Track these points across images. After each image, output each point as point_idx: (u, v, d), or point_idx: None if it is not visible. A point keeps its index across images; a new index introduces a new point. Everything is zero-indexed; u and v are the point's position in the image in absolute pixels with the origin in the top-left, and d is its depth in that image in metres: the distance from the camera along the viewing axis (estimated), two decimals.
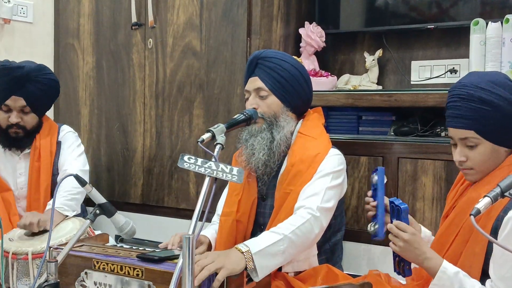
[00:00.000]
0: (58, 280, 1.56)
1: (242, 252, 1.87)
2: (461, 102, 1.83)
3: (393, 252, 1.87)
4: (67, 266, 1.90)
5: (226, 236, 2.23)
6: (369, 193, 1.93)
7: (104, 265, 1.86)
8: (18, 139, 2.67)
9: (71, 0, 3.37)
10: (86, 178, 2.70)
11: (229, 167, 1.63)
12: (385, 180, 1.91)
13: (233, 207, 2.25)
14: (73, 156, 2.74)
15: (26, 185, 2.70)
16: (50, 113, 3.25)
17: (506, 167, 1.83)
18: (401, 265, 1.88)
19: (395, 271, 1.91)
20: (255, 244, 1.91)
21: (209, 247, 2.26)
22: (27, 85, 2.61)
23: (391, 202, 1.87)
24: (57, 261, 1.59)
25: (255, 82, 2.21)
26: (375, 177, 1.90)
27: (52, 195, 2.59)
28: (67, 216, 2.51)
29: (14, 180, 2.72)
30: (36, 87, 2.63)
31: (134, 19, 3.10)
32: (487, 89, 1.80)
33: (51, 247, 2.02)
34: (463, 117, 1.82)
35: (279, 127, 2.19)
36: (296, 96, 2.23)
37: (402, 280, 2.05)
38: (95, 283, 1.88)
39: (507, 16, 2.38)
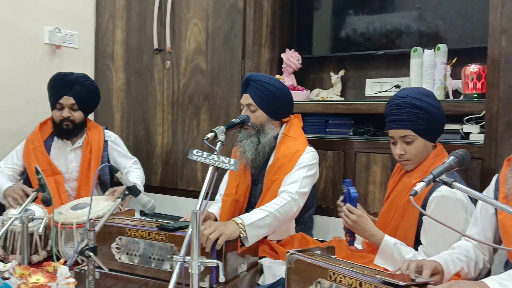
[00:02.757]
0: (96, 245, 1.55)
1: (238, 224, 1.87)
2: (400, 109, 1.84)
3: (345, 227, 1.89)
4: (103, 234, 1.89)
5: (227, 211, 2.24)
6: (341, 198, 1.93)
7: (135, 232, 1.86)
8: (69, 131, 2.67)
9: (107, 30, 3.35)
10: (143, 175, 2.85)
11: (228, 158, 1.63)
12: (354, 189, 1.89)
13: (232, 190, 2.26)
14: (132, 159, 2.84)
15: (76, 170, 2.70)
16: (91, 117, 3.23)
17: (431, 159, 1.86)
18: (349, 238, 1.93)
19: (346, 240, 1.94)
20: (247, 218, 1.92)
21: (215, 220, 2.26)
22: (75, 88, 2.64)
23: (348, 189, 1.88)
24: (95, 230, 1.58)
25: (247, 98, 2.21)
26: (344, 189, 1.91)
27: (97, 180, 2.73)
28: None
29: (66, 166, 2.70)
30: (82, 90, 2.65)
31: (155, 45, 3.08)
32: (419, 98, 1.82)
33: (90, 219, 2.00)
34: (402, 120, 1.84)
35: (264, 133, 2.20)
36: (278, 110, 2.24)
37: (359, 246, 2.06)
38: (127, 246, 1.88)
39: (439, 45, 2.39)
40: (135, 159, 2.87)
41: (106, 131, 2.82)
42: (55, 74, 2.68)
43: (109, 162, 2.74)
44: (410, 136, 1.83)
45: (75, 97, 2.64)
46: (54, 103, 2.65)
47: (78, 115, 2.67)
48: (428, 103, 1.82)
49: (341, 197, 1.92)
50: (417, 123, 1.81)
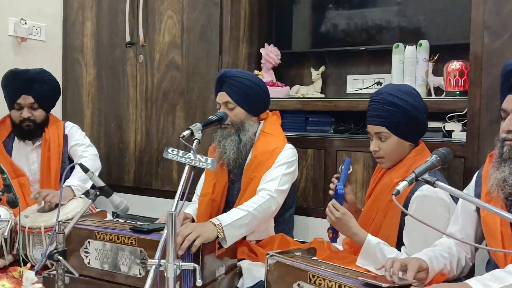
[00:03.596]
0: (66, 248, 1.53)
1: (215, 225, 1.86)
2: (377, 105, 1.87)
3: (329, 224, 1.90)
4: (73, 237, 1.86)
5: (204, 211, 2.23)
6: (336, 175, 1.95)
7: (104, 235, 1.83)
8: (30, 131, 2.61)
9: (76, 22, 3.30)
10: (98, 161, 2.70)
11: (204, 157, 1.62)
12: (350, 169, 1.93)
13: (209, 189, 2.25)
14: (85, 144, 2.70)
15: (38, 172, 2.64)
16: (59, 114, 3.20)
17: (411, 158, 1.88)
18: (331, 234, 1.94)
19: (328, 237, 1.95)
20: (225, 218, 1.91)
21: (193, 222, 2.24)
22: (33, 85, 2.57)
23: (336, 186, 1.90)
24: (64, 233, 1.55)
25: (223, 97, 2.20)
26: (341, 166, 1.93)
27: (61, 180, 2.54)
28: (75, 196, 2.46)
29: (28, 167, 2.65)
30: (41, 87, 2.58)
31: (128, 39, 3.05)
32: (397, 96, 1.85)
33: (59, 221, 1.97)
34: (378, 116, 1.86)
35: (245, 130, 2.20)
36: (257, 105, 2.24)
37: (339, 246, 2.07)
38: (96, 250, 1.85)
39: (421, 41, 2.41)
40: (88, 144, 2.72)
41: (66, 124, 2.75)
42: (8, 72, 2.58)
43: (69, 158, 2.68)
44: (384, 133, 1.86)
45: (35, 96, 2.56)
46: (12, 103, 2.58)
47: (39, 114, 2.61)
48: (406, 101, 1.83)
49: (337, 175, 1.94)
50: (391, 120, 1.84)
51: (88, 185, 2.54)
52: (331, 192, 1.92)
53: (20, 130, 2.60)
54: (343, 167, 1.93)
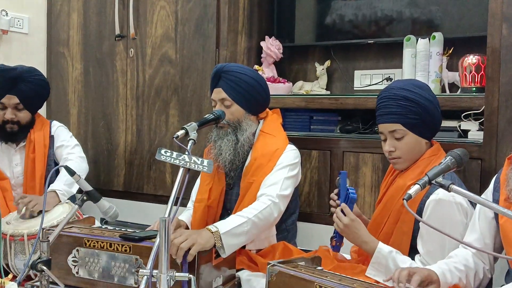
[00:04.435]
0: (50, 257, 1.53)
1: (212, 232, 1.86)
2: (389, 101, 1.87)
3: (334, 230, 1.89)
4: (59, 245, 1.86)
5: (199, 219, 2.22)
6: (335, 191, 1.92)
7: (94, 243, 1.83)
8: (14, 134, 2.60)
9: (61, 13, 3.30)
10: (85, 163, 2.70)
11: (200, 159, 1.62)
12: (348, 183, 1.90)
13: (204, 195, 2.25)
14: (71, 145, 2.69)
15: (22, 175, 2.64)
16: (43, 113, 3.19)
17: (426, 159, 1.88)
18: (335, 243, 1.91)
19: (330, 245, 1.93)
20: (223, 226, 1.91)
21: (187, 229, 2.24)
22: (19, 85, 2.54)
23: (347, 189, 1.88)
24: (49, 240, 1.55)
25: (219, 93, 2.19)
26: (339, 181, 1.91)
27: (45, 183, 2.54)
28: (60, 201, 2.45)
29: (11, 170, 2.65)
30: (28, 87, 2.56)
31: (117, 31, 3.05)
32: (410, 90, 1.85)
33: (43, 228, 1.97)
34: (391, 113, 1.86)
35: (242, 130, 2.19)
36: (256, 103, 2.23)
37: (347, 255, 2.07)
38: (85, 258, 1.85)
39: (434, 33, 2.42)
40: (74, 145, 2.71)
41: (53, 123, 2.75)
42: None
43: (55, 160, 2.67)
44: (400, 131, 1.85)
45: (20, 96, 2.54)
46: None
47: (23, 115, 2.59)
48: (421, 95, 1.84)
49: (336, 190, 1.91)
50: (407, 116, 1.84)
51: (74, 189, 2.53)
52: (333, 209, 1.89)
53: (2, 132, 2.59)
54: (340, 181, 1.90)
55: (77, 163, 2.60)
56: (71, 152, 2.66)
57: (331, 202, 1.92)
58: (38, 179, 2.60)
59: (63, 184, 2.47)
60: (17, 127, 2.59)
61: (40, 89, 2.63)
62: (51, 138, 2.68)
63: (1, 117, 2.57)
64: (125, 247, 1.78)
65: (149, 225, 2.27)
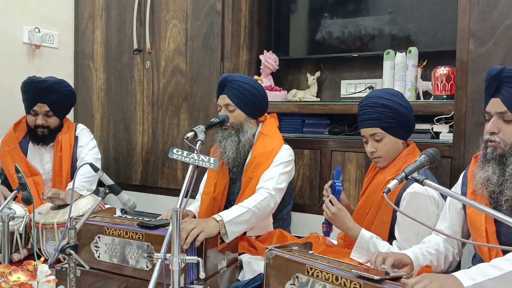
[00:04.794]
0: (77, 243, 1.52)
1: (217, 221, 1.86)
2: (369, 109, 1.87)
3: (325, 218, 1.90)
4: (84, 232, 1.86)
5: (206, 209, 2.22)
6: (329, 182, 1.92)
7: (112, 231, 1.83)
8: (44, 137, 2.60)
9: (87, 30, 3.30)
10: (99, 164, 2.69)
11: (207, 157, 1.62)
12: (341, 177, 1.90)
13: (210, 188, 2.25)
14: (89, 147, 2.69)
15: (51, 171, 2.64)
16: (70, 117, 3.19)
17: (403, 157, 1.88)
18: (326, 229, 1.93)
19: (322, 231, 1.94)
20: (227, 215, 1.91)
21: (194, 218, 2.24)
22: (49, 95, 2.54)
23: (334, 182, 1.88)
24: (76, 228, 1.55)
25: (224, 99, 2.20)
26: (333, 175, 1.91)
27: (71, 178, 2.56)
28: (82, 195, 2.45)
29: (42, 167, 2.65)
30: (57, 96, 2.56)
31: (135, 46, 3.05)
32: (386, 98, 1.86)
33: (71, 218, 1.98)
34: (371, 118, 1.86)
35: (244, 132, 2.19)
36: (256, 108, 2.23)
37: (334, 241, 2.07)
38: (105, 244, 1.85)
39: (410, 48, 2.42)
40: (92, 147, 2.70)
41: (78, 126, 2.75)
42: (26, 80, 2.56)
43: (78, 159, 2.67)
44: (379, 134, 1.86)
45: (49, 105, 2.55)
46: (28, 109, 2.57)
47: (52, 121, 2.60)
48: (395, 102, 1.85)
49: (329, 182, 1.91)
50: (384, 121, 1.84)
51: (93, 185, 2.56)
52: (325, 198, 1.90)
53: (34, 135, 2.60)
54: (334, 175, 1.90)
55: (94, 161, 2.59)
56: (88, 153, 2.66)
57: (324, 192, 1.92)
58: (65, 175, 2.61)
59: (80, 182, 2.48)
60: (47, 131, 2.59)
61: (67, 98, 2.63)
62: (76, 138, 2.69)
63: (33, 123, 2.57)
64: (139, 235, 1.78)
65: (161, 214, 2.27)
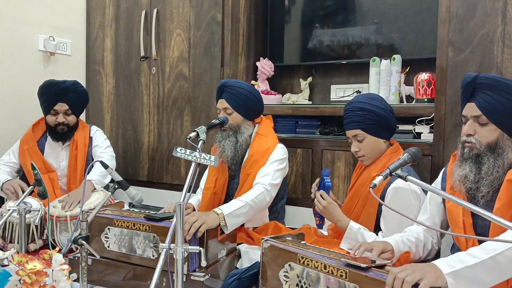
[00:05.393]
0: (88, 234, 1.52)
1: (218, 214, 1.86)
2: (350, 113, 1.88)
3: (317, 212, 1.90)
4: (95, 224, 1.86)
5: (207, 203, 2.22)
6: (317, 180, 1.93)
7: (121, 223, 1.83)
8: (64, 134, 2.61)
9: (97, 39, 3.28)
10: (114, 161, 2.70)
11: (208, 155, 1.61)
12: (328, 179, 1.89)
13: (211, 184, 2.24)
14: (104, 146, 2.70)
15: (67, 168, 2.63)
16: (83, 118, 3.18)
17: (388, 155, 1.89)
18: (318, 222, 1.93)
19: (315, 224, 1.95)
20: (226, 208, 1.91)
21: (194, 210, 2.24)
22: (68, 95, 2.57)
23: (323, 179, 1.89)
24: (87, 220, 1.55)
25: (223, 103, 2.19)
26: (322, 175, 1.91)
27: (85, 174, 2.56)
28: (95, 188, 2.45)
29: (58, 164, 2.65)
30: (74, 96, 2.59)
31: (142, 53, 3.04)
32: (365, 102, 1.86)
33: (83, 211, 1.97)
34: (353, 121, 1.87)
35: (241, 133, 2.19)
36: (252, 111, 2.23)
37: (325, 232, 2.07)
38: (114, 235, 1.84)
39: (394, 55, 2.42)
40: (106, 146, 2.70)
41: (92, 127, 2.76)
42: (46, 83, 2.58)
43: (93, 157, 2.69)
44: (360, 135, 1.87)
45: (69, 103, 2.58)
46: (48, 109, 2.58)
47: (71, 118, 2.62)
48: (374, 105, 1.86)
49: (317, 180, 1.92)
50: (364, 123, 1.85)
51: (107, 180, 2.55)
52: (312, 196, 1.90)
53: (55, 133, 2.61)
54: (323, 174, 1.89)
55: (107, 160, 2.61)
56: (104, 152, 2.67)
57: (312, 189, 1.93)
58: (79, 172, 2.61)
59: (97, 175, 2.50)
60: (67, 128, 2.61)
61: (83, 97, 2.66)
62: (90, 139, 2.69)
63: (54, 121, 2.58)
64: (145, 227, 1.77)
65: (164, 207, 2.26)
